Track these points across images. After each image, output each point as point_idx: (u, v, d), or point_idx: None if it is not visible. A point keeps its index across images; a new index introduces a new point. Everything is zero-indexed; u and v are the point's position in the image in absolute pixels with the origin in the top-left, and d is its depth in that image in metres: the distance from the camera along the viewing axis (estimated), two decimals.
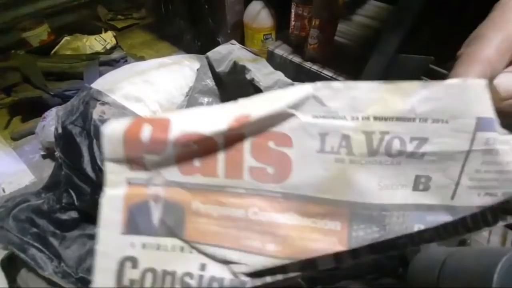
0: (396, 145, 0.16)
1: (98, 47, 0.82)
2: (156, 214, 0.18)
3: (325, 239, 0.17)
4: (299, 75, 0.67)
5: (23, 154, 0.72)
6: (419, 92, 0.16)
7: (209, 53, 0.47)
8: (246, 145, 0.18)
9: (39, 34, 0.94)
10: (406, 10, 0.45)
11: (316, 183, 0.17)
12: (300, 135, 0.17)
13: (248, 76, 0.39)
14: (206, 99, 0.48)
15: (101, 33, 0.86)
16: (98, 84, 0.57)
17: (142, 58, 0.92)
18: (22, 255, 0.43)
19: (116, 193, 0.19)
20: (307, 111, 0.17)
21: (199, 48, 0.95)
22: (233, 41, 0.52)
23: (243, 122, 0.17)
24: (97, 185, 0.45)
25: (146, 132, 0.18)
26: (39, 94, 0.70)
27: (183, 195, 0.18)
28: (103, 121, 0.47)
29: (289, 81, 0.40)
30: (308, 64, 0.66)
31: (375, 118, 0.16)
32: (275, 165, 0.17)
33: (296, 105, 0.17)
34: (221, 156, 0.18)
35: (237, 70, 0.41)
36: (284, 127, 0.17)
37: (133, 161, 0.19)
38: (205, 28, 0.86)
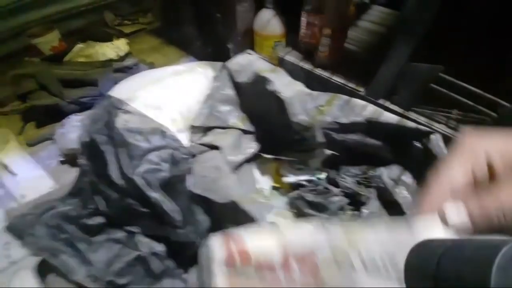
0: None
1: (111, 54, 0.83)
2: None
3: None
4: (310, 81, 0.69)
5: (39, 160, 0.73)
6: None
7: (228, 63, 0.49)
8: None
9: (49, 40, 0.95)
10: (418, 20, 0.47)
11: None
12: None
13: (269, 87, 0.41)
14: (225, 108, 0.50)
15: (112, 40, 0.87)
16: (117, 93, 0.59)
17: (152, 64, 0.93)
18: (53, 261, 0.44)
19: None
20: None
21: (208, 53, 0.96)
22: (250, 51, 0.54)
23: None
24: (124, 192, 0.47)
25: None
26: (56, 102, 0.72)
27: None
28: (127, 129, 0.49)
29: (309, 91, 0.43)
30: (318, 71, 0.68)
31: None
32: None
33: None
34: None
35: (258, 80, 0.43)
36: None
37: None
38: (214, 34, 0.88)
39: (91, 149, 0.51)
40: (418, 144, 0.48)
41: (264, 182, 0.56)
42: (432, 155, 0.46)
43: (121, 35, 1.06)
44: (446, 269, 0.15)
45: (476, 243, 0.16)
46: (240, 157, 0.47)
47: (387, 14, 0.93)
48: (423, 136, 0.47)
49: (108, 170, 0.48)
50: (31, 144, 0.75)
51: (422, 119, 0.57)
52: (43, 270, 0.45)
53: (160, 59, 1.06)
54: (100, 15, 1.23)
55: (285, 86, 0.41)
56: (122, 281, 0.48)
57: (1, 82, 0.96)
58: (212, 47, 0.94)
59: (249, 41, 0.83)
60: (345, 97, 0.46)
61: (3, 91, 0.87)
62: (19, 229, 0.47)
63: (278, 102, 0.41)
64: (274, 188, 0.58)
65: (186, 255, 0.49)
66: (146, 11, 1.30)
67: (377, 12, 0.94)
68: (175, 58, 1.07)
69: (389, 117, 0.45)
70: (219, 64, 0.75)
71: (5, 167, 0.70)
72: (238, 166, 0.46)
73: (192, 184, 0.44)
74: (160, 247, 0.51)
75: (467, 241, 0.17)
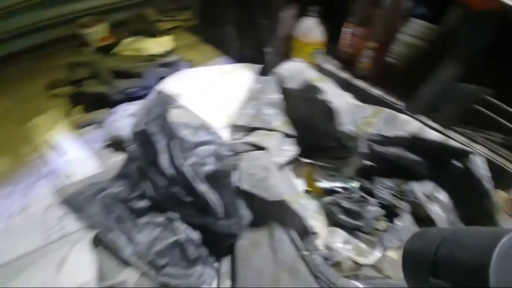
0: None
1: (157, 50, 0.88)
2: None
3: None
4: (347, 91, 0.70)
5: (85, 142, 0.79)
6: None
7: (277, 69, 0.52)
8: None
9: (98, 31, 1.01)
10: (469, 46, 0.48)
11: None
12: None
13: (320, 96, 0.43)
14: (271, 111, 0.53)
15: (156, 36, 0.92)
16: (167, 88, 0.63)
17: (190, 61, 0.98)
18: (105, 237, 0.49)
19: None
20: None
21: (244, 55, 0.99)
22: (297, 59, 0.56)
23: None
24: (172, 180, 0.51)
25: None
26: (105, 90, 0.77)
27: None
28: (178, 123, 0.53)
29: (357, 102, 0.44)
30: (357, 81, 0.69)
31: None
32: None
33: None
34: None
35: (308, 88, 0.46)
36: None
37: None
38: (253, 36, 0.91)
39: (142, 138, 0.55)
40: (458, 164, 0.49)
41: (298, 185, 0.59)
42: (472, 176, 0.47)
43: (159, 31, 1.11)
44: (445, 257, 0.16)
45: (475, 233, 0.16)
46: (282, 159, 0.49)
47: (426, 28, 0.92)
48: (465, 156, 0.48)
49: (158, 159, 0.52)
50: (79, 127, 0.81)
51: (461, 138, 0.57)
52: (95, 243, 0.50)
53: (197, 57, 1.10)
54: (142, 10, 1.29)
55: (336, 96, 0.43)
56: (161, 262, 0.52)
57: (50, 65, 1.04)
58: (249, 49, 0.97)
59: (286, 46, 0.86)
60: (390, 110, 0.48)
61: (53, 75, 0.94)
62: (75, 204, 0.52)
63: (327, 111, 0.43)
64: (306, 191, 0.60)
65: (221, 245, 0.52)
66: (184, 9, 1.35)
67: (416, 26, 0.94)
68: (211, 56, 1.11)
69: (433, 134, 0.46)
70: (258, 67, 0.78)
71: (54, 146, 0.77)
72: (280, 168, 0.49)
73: (238, 180, 0.47)
74: (195, 235, 0.54)
75: (465, 231, 0.17)
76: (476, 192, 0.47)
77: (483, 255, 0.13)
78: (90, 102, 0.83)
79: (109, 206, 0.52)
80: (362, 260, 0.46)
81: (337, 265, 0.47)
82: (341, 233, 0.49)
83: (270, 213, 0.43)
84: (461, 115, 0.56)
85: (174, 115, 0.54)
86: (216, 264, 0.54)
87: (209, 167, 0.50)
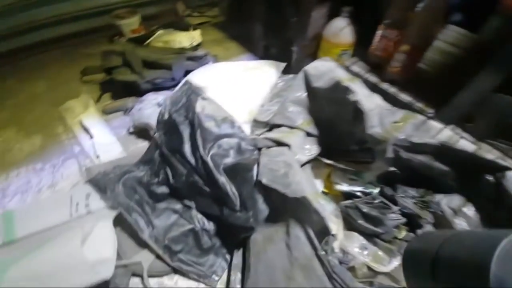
0: None
1: (186, 43, 0.91)
2: None
3: None
4: None
5: (112, 128, 0.82)
6: None
7: (307, 68, 0.52)
8: None
9: (131, 23, 1.06)
10: (510, 56, 0.45)
11: None
12: None
13: (351, 97, 0.42)
14: (296, 109, 0.53)
15: (188, 30, 0.95)
16: (196, 80, 0.65)
17: (216, 56, 0.99)
18: (127, 217, 0.51)
19: None
20: None
21: (270, 53, 0.99)
22: (327, 58, 0.56)
23: None
24: (193, 169, 0.52)
25: None
26: (135, 79, 0.80)
27: None
28: (204, 114, 0.54)
29: (387, 105, 0.43)
30: (385, 86, 0.67)
31: None
32: None
33: None
34: None
35: (338, 88, 0.45)
36: None
37: None
38: (281, 35, 0.91)
39: (168, 126, 0.57)
40: (490, 178, 0.46)
41: (316, 185, 0.58)
42: (505, 192, 0.44)
43: (189, 25, 1.15)
44: (446, 257, 0.15)
45: (476, 234, 0.16)
46: (304, 158, 0.49)
47: (464, 36, 0.88)
48: (498, 171, 0.45)
49: (182, 147, 0.53)
50: (107, 112, 0.85)
51: (495, 152, 0.54)
52: (116, 222, 0.52)
53: (222, 52, 1.12)
54: (173, 4, 1.34)
55: (366, 97, 0.42)
56: (176, 248, 0.53)
57: (86, 53, 1.10)
58: (275, 47, 0.97)
59: (314, 46, 0.85)
60: (422, 117, 0.46)
61: (88, 61, 1.00)
62: (101, 184, 0.55)
63: (356, 112, 0.42)
64: (323, 193, 0.59)
65: (235, 238, 0.53)
66: (212, 5, 1.38)
67: (451, 32, 0.90)
68: (236, 53, 1.13)
69: (465, 145, 0.44)
70: (283, 64, 0.78)
71: (85, 129, 0.81)
72: (301, 166, 0.49)
73: (258, 174, 0.47)
74: (210, 225, 0.55)
75: (466, 233, 0.17)
76: (508, 211, 0.44)
77: (484, 256, 0.13)
78: (120, 90, 0.87)
79: (132, 188, 0.54)
80: (378, 267, 0.44)
81: (351, 270, 0.46)
82: (358, 238, 0.48)
83: (289, 209, 0.42)
84: (497, 128, 0.53)
85: (199, 106, 0.55)
86: (228, 256, 0.55)
87: (230, 159, 0.51)
